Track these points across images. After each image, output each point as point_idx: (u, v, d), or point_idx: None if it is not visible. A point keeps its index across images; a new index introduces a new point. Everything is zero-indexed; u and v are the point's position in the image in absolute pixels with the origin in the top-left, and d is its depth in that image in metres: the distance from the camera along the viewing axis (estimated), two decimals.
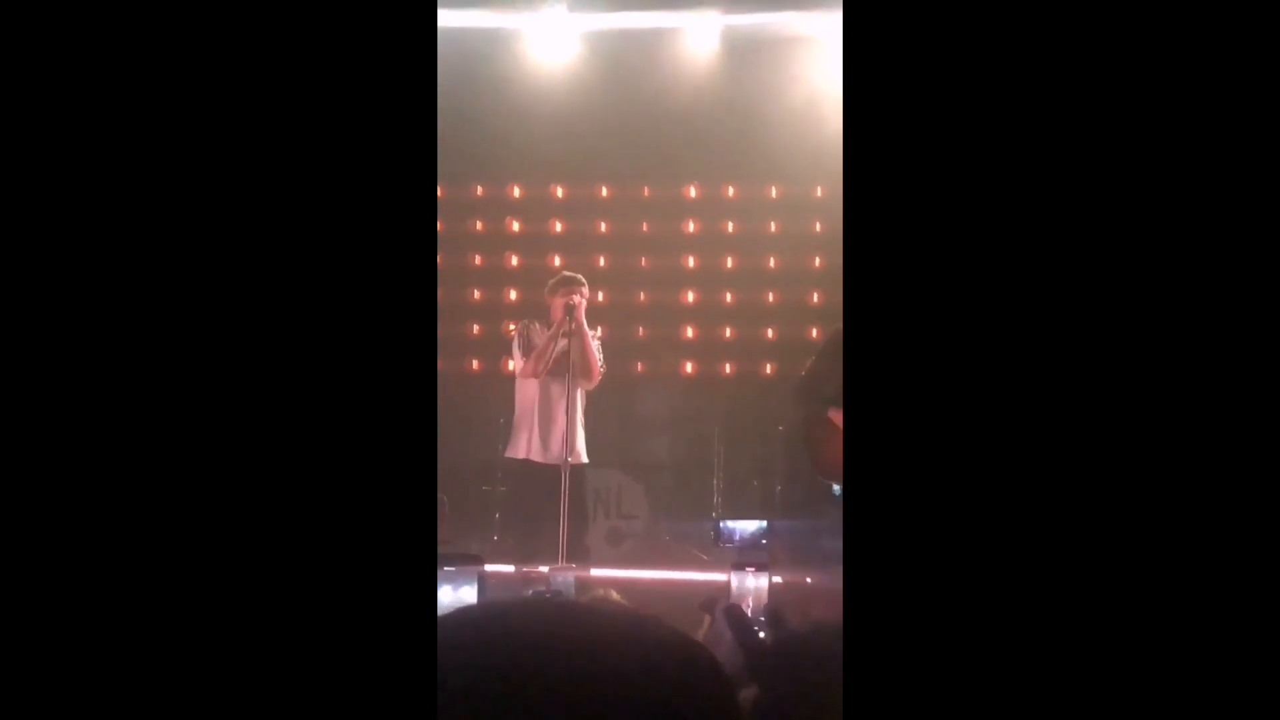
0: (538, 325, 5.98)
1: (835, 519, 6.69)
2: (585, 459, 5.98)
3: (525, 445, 5.90)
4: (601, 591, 3.38)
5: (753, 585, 2.40)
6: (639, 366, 6.21)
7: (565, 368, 5.84)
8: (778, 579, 2.36)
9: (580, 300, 5.82)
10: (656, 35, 8.31)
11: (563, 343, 5.79)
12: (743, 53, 8.25)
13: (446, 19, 6.92)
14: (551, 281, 6.07)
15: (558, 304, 5.87)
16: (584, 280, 5.98)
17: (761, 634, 1.48)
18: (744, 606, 2.34)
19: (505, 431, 7.42)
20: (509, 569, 5.48)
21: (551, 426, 5.87)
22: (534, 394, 5.88)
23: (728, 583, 2.41)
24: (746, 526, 3.56)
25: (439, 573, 1.51)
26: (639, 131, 8.36)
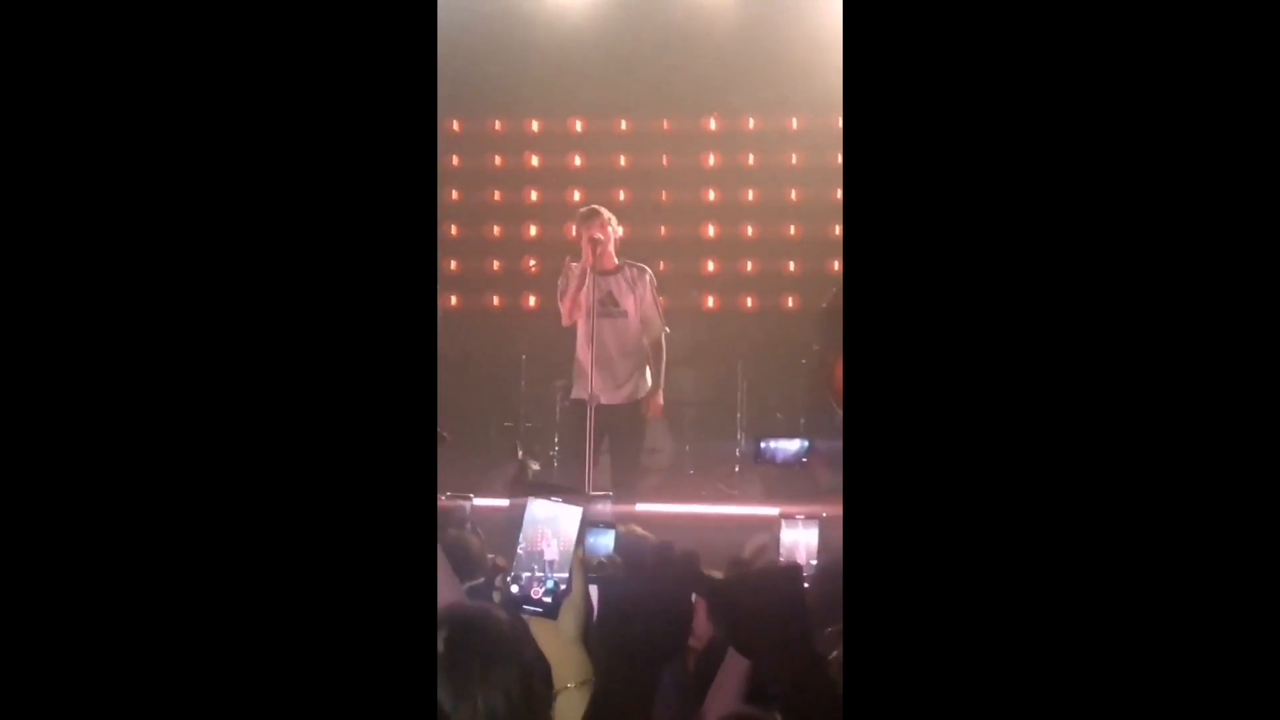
0: (574, 265, 5.93)
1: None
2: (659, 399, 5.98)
3: (583, 386, 5.85)
4: (624, 528, 3.38)
5: (804, 535, 2.33)
6: (659, 300, 6.20)
7: (610, 305, 5.83)
8: (826, 514, 2.30)
9: (602, 237, 5.77)
10: None
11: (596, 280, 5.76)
12: None
13: None
14: (577, 215, 6.03)
15: (583, 241, 5.84)
16: (605, 213, 5.92)
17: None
18: (795, 558, 2.29)
19: (531, 369, 7.45)
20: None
21: (608, 367, 5.84)
22: (586, 335, 5.84)
23: (777, 531, 2.34)
24: (788, 446, 3.48)
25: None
26: (657, 63, 8.27)
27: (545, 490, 1.55)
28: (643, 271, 5.99)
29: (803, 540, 2.28)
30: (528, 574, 1.51)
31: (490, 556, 2.93)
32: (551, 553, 1.55)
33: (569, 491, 1.59)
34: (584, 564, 1.51)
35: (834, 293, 6.00)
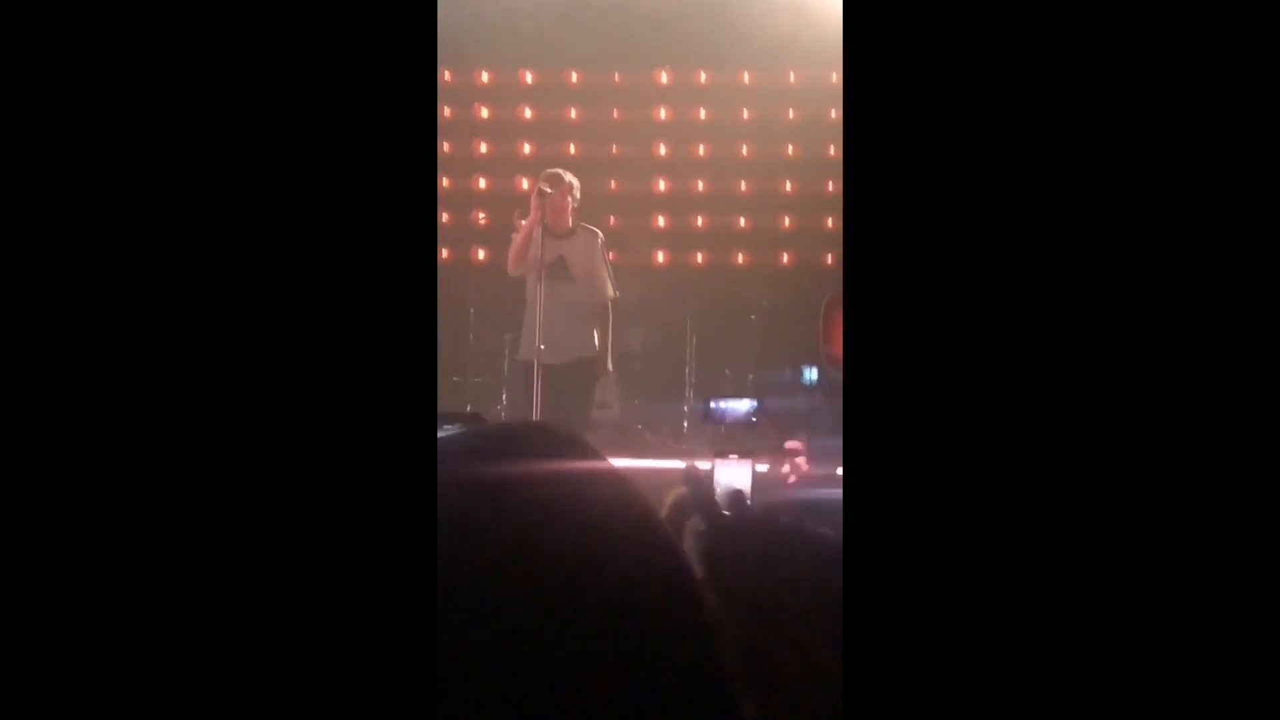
0: (523, 222, 5.88)
1: (810, 401, 6.73)
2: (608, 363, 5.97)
3: (530, 347, 5.78)
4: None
5: (736, 473, 2.36)
6: (610, 255, 6.17)
7: (561, 268, 5.79)
8: (762, 467, 2.31)
9: (549, 189, 5.72)
10: None
11: (539, 237, 5.71)
12: None
13: None
14: (541, 176, 5.96)
15: (532, 195, 5.79)
16: (566, 176, 5.87)
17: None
18: (729, 494, 2.31)
19: (479, 324, 7.43)
20: None
21: (556, 329, 5.78)
22: (534, 296, 5.77)
23: (711, 470, 2.36)
24: (738, 406, 3.50)
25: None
26: (610, 14, 8.20)
27: (446, 419, 1.52)
28: (594, 234, 5.96)
29: (738, 479, 2.31)
30: None
31: None
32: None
33: (470, 418, 1.54)
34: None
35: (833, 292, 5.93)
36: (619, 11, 8.21)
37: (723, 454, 2.40)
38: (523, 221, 5.91)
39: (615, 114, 8.55)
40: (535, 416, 5.54)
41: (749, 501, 2.27)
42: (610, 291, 5.96)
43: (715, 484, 2.34)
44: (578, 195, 5.89)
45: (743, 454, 2.39)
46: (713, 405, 3.72)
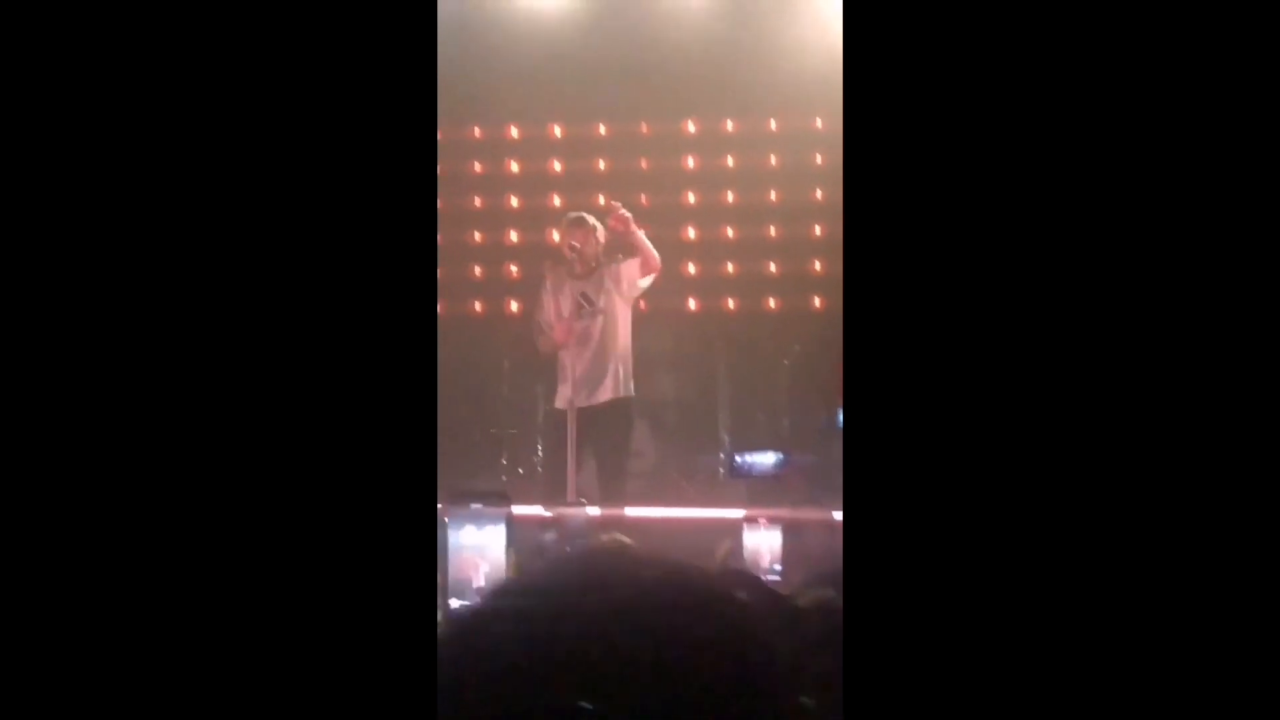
0: (549, 277, 5.93)
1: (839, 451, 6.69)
2: (631, 392, 5.93)
3: (563, 393, 5.78)
4: (608, 536, 3.36)
5: (765, 538, 2.33)
6: (641, 304, 6.19)
7: (585, 306, 5.81)
8: (790, 511, 2.28)
9: (578, 244, 5.77)
10: None
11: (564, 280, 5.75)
12: None
13: None
14: (564, 221, 6.01)
15: (564, 250, 5.84)
16: (588, 220, 5.91)
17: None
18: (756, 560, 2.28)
19: (514, 375, 7.43)
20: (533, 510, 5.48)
21: (589, 368, 5.80)
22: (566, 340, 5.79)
23: (740, 534, 2.34)
24: (764, 460, 3.46)
25: (467, 510, 1.48)
26: (636, 66, 8.27)
27: (463, 499, 1.49)
28: (612, 262, 5.96)
29: (765, 544, 2.28)
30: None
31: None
32: (480, 577, 1.47)
33: (488, 496, 1.52)
34: (517, 569, 1.47)
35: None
36: (645, 64, 8.28)
37: (751, 519, 2.35)
38: (549, 275, 5.95)
39: (643, 164, 8.60)
40: (571, 466, 5.53)
41: (777, 566, 2.24)
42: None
43: (744, 549, 2.30)
44: (601, 236, 5.92)
45: (771, 519, 2.34)
46: (738, 460, 3.66)
